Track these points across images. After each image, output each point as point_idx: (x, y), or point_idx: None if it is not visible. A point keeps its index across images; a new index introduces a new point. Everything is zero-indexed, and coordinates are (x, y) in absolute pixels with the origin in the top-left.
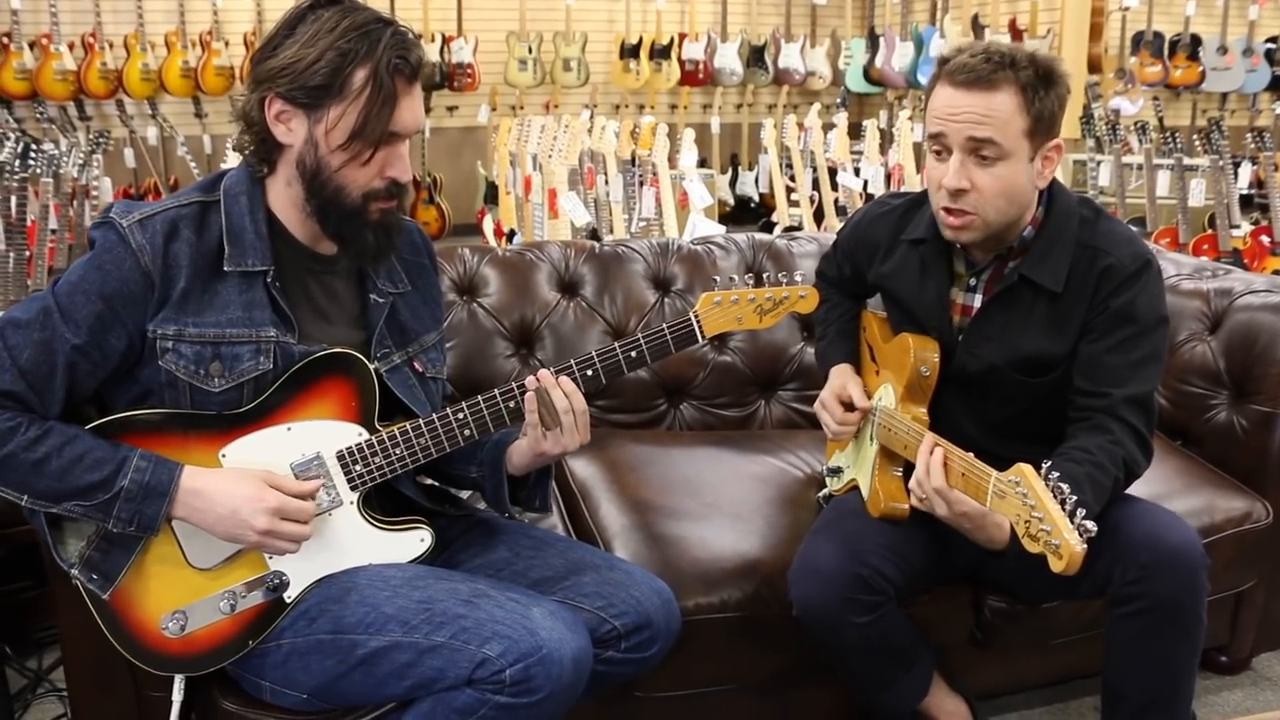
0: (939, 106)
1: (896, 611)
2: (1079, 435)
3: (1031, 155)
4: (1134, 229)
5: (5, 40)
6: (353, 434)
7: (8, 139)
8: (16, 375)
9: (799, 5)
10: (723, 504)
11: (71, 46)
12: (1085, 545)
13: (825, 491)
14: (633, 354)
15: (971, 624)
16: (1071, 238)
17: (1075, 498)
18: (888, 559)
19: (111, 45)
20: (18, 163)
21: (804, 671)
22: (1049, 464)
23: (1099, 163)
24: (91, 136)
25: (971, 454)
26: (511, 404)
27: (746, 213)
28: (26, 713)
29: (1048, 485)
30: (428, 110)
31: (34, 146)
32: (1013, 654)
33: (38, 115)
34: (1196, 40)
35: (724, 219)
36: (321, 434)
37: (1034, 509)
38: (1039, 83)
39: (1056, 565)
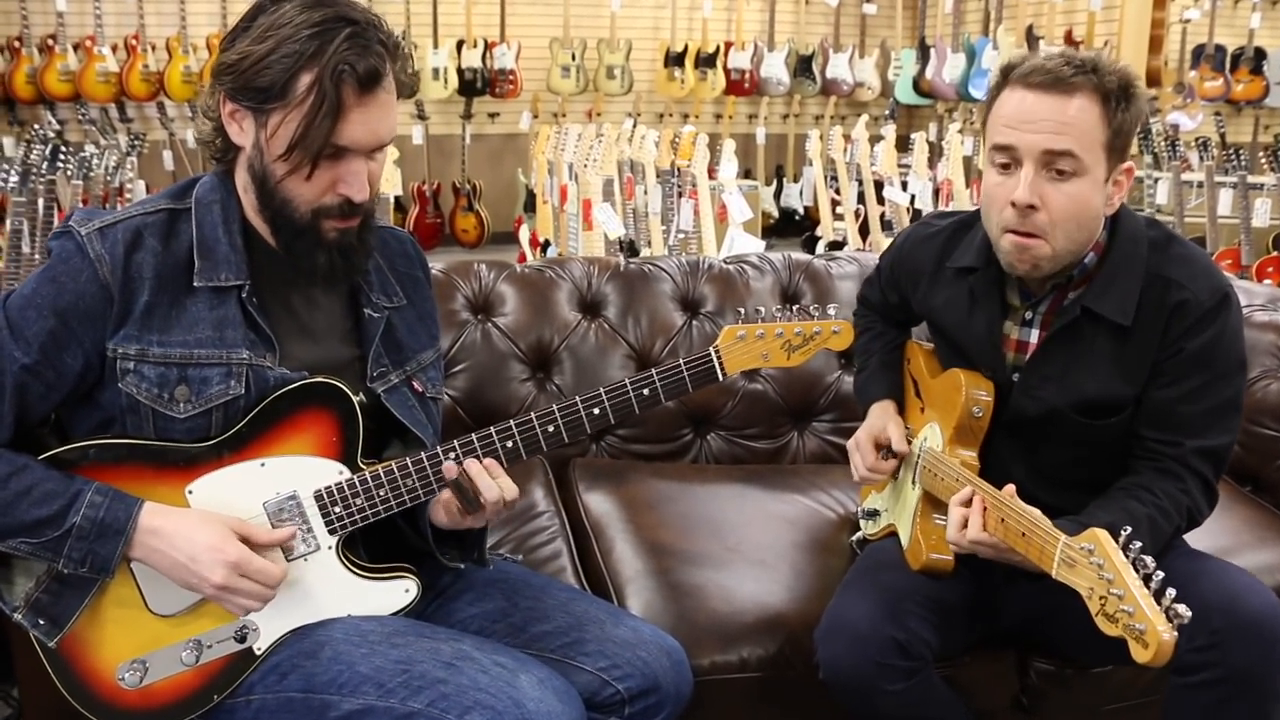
0: (1009, 113)
1: (934, 676)
2: (1145, 473)
3: (1106, 175)
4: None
5: (50, 42)
6: (333, 472)
7: (48, 139)
8: None
9: (848, 15)
10: (746, 548)
11: (114, 49)
12: (1176, 634)
13: (859, 535)
14: (645, 392)
15: (1016, 689)
16: (1140, 265)
17: (1161, 574)
18: (927, 620)
19: (154, 47)
20: (45, 165)
21: None
22: (1129, 530)
23: (1156, 180)
24: (129, 139)
25: (1037, 510)
26: (510, 444)
27: (791, 225)
28: None
29: (1127, 557)
30: (469, 116)
31: (64, 148)
32: None
33: (79, 117)
34: (1261, 54)
35: (768, 231)
36: (298, 471)
37: (1112, 584)
38: (1121, 94)
39: (1141, 655)
